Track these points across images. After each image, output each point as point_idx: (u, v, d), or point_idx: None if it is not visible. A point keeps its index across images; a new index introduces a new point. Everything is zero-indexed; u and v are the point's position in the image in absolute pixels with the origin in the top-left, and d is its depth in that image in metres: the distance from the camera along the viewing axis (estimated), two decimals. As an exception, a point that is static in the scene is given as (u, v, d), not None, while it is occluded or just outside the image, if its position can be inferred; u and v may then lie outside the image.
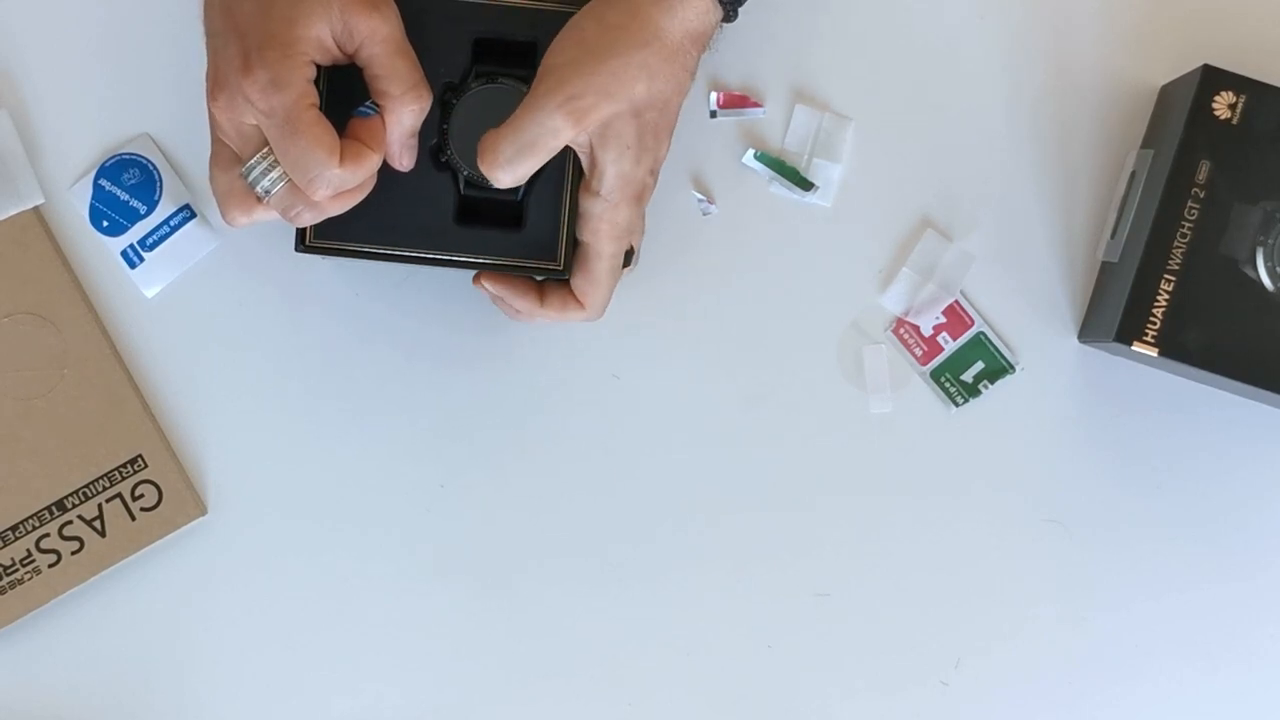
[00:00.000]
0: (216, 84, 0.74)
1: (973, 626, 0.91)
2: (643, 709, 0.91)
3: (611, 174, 0.79)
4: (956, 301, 0.91)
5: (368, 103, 0.78)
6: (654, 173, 0.82)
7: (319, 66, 0.75)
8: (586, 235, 0.81)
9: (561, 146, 0.77)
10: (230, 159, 0.77)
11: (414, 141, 0.78)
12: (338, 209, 0.77)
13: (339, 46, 0.75)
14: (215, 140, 0.77)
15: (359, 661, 0.91)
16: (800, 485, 0.91)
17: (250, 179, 0.76)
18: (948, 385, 0.91)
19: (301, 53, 0.73)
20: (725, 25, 0.82)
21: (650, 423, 0.91)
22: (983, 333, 0.91)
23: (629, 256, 0.84)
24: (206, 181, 0.90)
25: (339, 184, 0.74)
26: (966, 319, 0.91)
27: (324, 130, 0.73)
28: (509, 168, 0.77)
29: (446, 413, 0.91)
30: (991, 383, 0.91)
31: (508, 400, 0.91)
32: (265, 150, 0.75)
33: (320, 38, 0.74)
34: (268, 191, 0.76)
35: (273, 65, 0.72)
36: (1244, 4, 0.91)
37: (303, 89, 0.73)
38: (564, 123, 0.76)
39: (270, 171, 0.75)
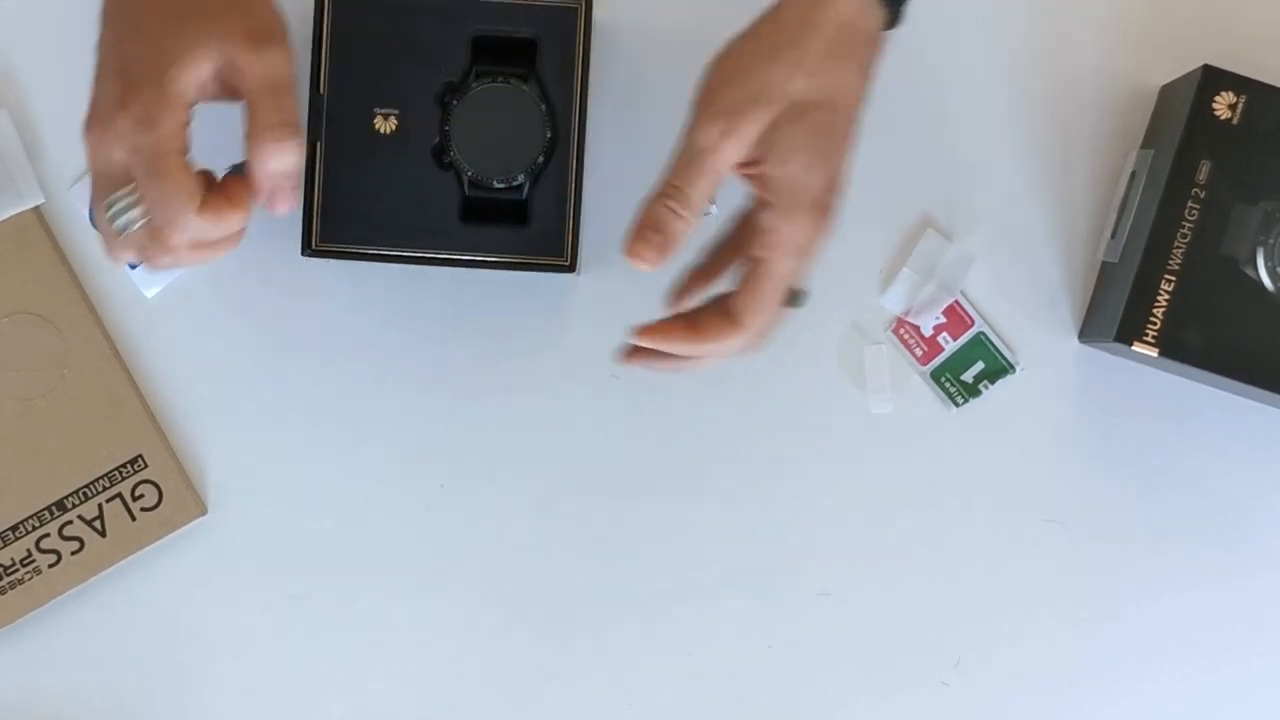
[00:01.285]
0: (92, 116, 0.72)
1: (973, 626, 0.91)
2: (643, 709, 0.91)
3: (780, 180, 0.73)
4: (956, 301, 0.91)
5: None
6: (833, 187, 0.74)
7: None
8: (758, 250, 0.74)
9: (726, 165, 0.73)
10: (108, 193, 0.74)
11: (289, 185, 0.73)
12: (196, 261, 0.74)
13: (227, 83, 0.73)
14: (91, 173, 0.74)
15: (358, 661, 0.91)
16: (800, 485, 0.91)
17: (110, 213, 0.72)
18: (948, 385, 0.91)
19: (178, 93, 0.71)
20: (890, 32, 0.77)
21: (650, 423, 0.91)
22: (983, 333, 0.91)
23: (797, 297, 0.76)
24: (207, 181, 0.90)
25: (196, 232, 0.72)
26: (967, 319, 0.91)
27: (188, 176, 0.71)
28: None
29: (446, 413, 0.91)
30: (992, 383, 0.91)
31: (507, 400, 0.91)
32: (131, 187, 0.72)
33: (200, 78, 0.71)
34: (124, 229, 0.72)
35: (147, 103, 0.70)
36: (1244, 4, 0.91)
37: (173, 130, 0.71)
38: (718, 137, 0.73)
39: (130, 210, 0.72)
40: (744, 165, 0.75)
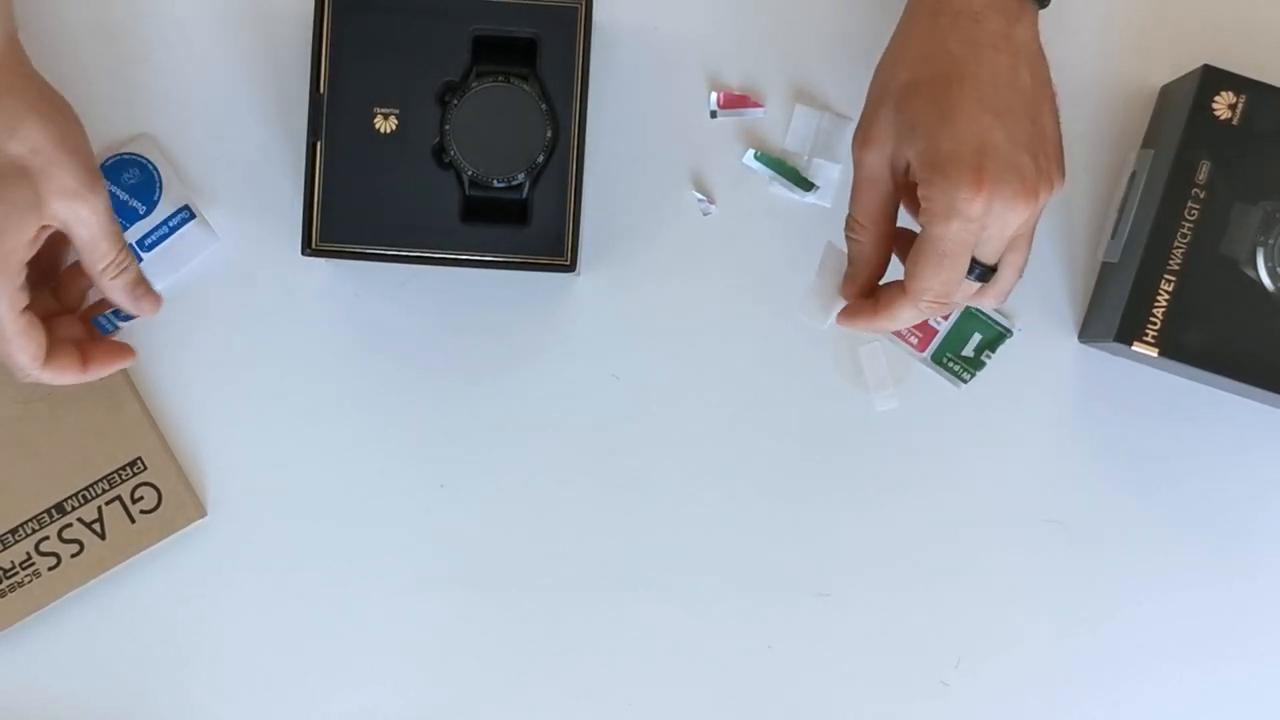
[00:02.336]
0: None
1: (973, 626, 0.91)
2: (643, 709, 0.91)
3: (915, 157, 0.76)
4: None
5: (108, 313, 0.84)
6: (983, 149, 0.75)
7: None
8: (920, 222, 0.77)
9: (876, 172, 0.79)
10: None
11: (141, 291, 0.83)
12: (72, 382, 0.82)
13: (60, 231, 0.80)
14: None
15: (358, 662, 0.91)
16: (800, 485, 0.91)
17: None
18: (951, 364, 0.91)
19: (14, 263, 0.77)
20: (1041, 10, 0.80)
21: (650, 423, 0.91)
22: (970, 305, 0.91)
23: (987, 272, 0.78)
24: (207, 182, 0.91)
25: (47, 382, 0.80)
26: (953, 295, 0.91)
27: (28, 339, 0.78)
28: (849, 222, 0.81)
29: (446, 413, 0.91)
30: (993, 350, 0.91)
31: (508, 401, 0.91)
32: None
33: (30, 239, 0.77)
34: None
35: None
36: (1244, 4, 0.91)
37: (12, 298, 0.77)
38: (859, 149, 0.79)
39: None
40: (905, 173, 0.78)
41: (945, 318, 0.91)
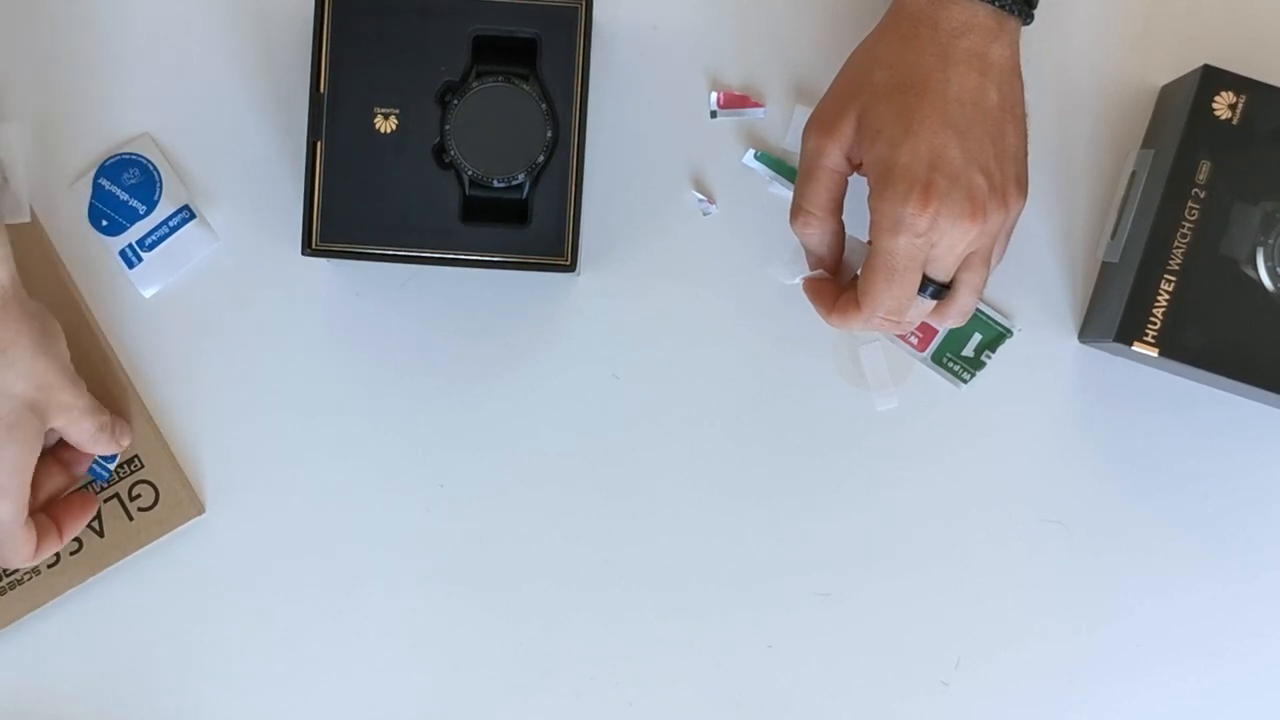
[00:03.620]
0: None
1: (973, 627, 0.91)
2: (643, 709, 0.91)
3: (871, 163, 0.77)
4: None
5: (100, 460, 0.89)
6: (937, 165, 0.76)
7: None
8: (870, 235, 0.78)
9: (833, 163, 0.79)
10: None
11: (119, 430, 0.88)
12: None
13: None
14: None
15: (357, 661, 0.91)
16: (800, 485, 0.91)
17: None
18: (951, 364, 0.91)
19: (24, 481, 0.82)
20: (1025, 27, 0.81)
21: (650, 423, 0.91)
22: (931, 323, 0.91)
23: (941, 290, 0.79)
24: (206, 182, 0.91)
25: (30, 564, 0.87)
26: (951, 294, 0.91)
27: (26, 542, 0.84)
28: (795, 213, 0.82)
29: (446, 413, 0.91)
30: (993, 351, 0.91)
31: (508, 400, 0.91)
32: None
33: (37, 452, 0.83)
34: None
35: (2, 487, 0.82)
36: (1244, 4, 0.91)
37: (21, 508, 0.82)
38: (818, 137, 0.79)
39: None
40: (856, 169, 0.79)
41: (920, 336, 0.91)
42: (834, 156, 0.79)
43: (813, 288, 0.83)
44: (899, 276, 0.77)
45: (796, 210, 0.81)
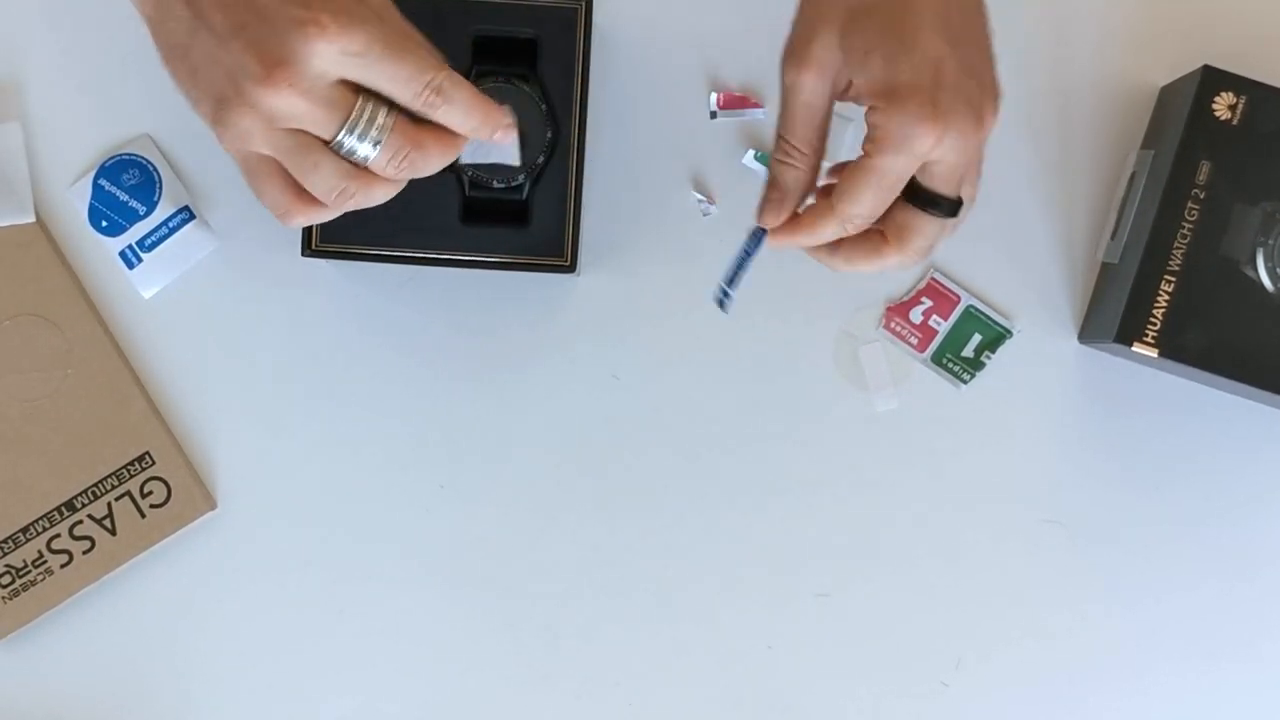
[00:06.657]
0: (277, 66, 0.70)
1: (973, 627, 0.91)
2: (643, 709, 0.91)
3: (868, 84, 0.72)
4: (938, 280, 0.91)
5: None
6: (939, 80, 0.72)
7: None
8: (865, 148, 0.73)
9: (816, 97, 0.74)
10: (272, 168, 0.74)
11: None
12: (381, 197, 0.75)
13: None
14: (249, 156, 0.74)
15: (359, 660, 0.91)
16: (800, 485, 0.91)
17: (350, 139, 0.71)
18: (951, 365, 0.91)
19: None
20: None
21: (650, 423, 0.91)
22: (971, 305, 0.91)
23: (940, 204, 0.74)
24: (206, 183, 0.90)
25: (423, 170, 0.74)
26: (952, 296, 0.91)
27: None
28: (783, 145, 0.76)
29: (447, 413, 0.91)
30: (993, 351, 0.91)
31: (508, 401, 0.91)
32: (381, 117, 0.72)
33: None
34: (351, 155, 0.72)
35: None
36: (1244, 4, 0.91)
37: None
38: (795, 72, 0.74)
39: (366, 138, 0.72)
40: (844, 93, 0.75)
41: (943, 318, 0.91)
42: (814, 88, 0.75)
43: (779, 235, 0.77)
44: (889, 187, 0.74)
45: (779, 144, 0.76)
